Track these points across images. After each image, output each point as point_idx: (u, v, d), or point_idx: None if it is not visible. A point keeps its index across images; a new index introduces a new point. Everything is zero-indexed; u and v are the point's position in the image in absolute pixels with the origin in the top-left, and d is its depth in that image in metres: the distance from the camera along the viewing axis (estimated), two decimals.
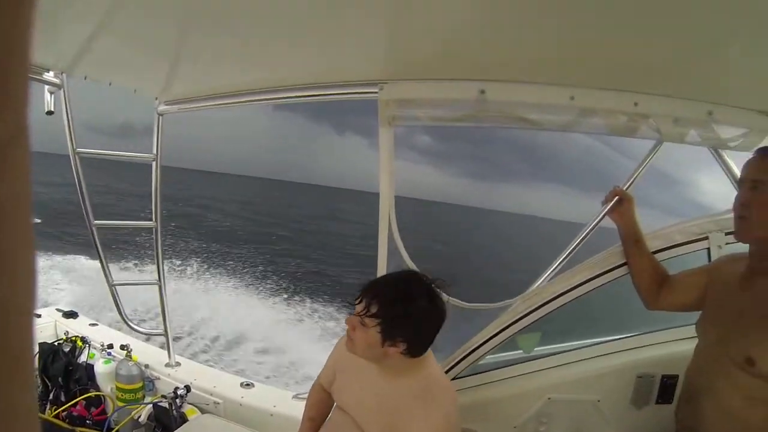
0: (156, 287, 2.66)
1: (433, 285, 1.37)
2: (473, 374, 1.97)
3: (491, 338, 1.84)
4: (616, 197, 1.82)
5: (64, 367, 2.67)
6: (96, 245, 2.44)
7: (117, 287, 2.53)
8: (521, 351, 2.02)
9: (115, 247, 12.82)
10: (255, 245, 20.61)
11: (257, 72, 1.96)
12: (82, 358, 2.81)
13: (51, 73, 2.07)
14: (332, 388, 1.63)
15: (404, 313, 1.32)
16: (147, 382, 2.68)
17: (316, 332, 10.28)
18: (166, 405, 2.43)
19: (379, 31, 1.43)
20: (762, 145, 1.71)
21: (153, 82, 2.25)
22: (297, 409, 1.79)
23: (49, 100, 2.10)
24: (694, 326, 1.63)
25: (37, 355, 2.68)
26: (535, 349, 2.01)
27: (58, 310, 3.36)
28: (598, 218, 1.86)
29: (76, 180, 2.30)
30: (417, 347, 1.35)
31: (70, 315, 3.30)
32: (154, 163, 2.49)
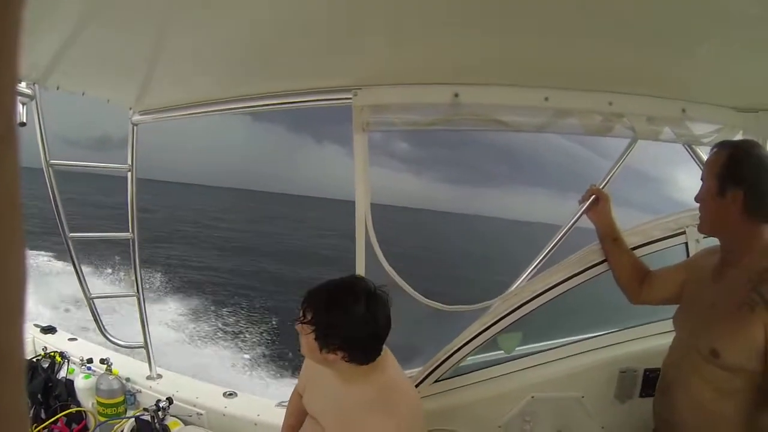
0: (135, 299, 2.61)
1: (375, 291, 1.34)
2: (456, 376, 1.97)
3: (472, 340, 1.84)
4: (593, 196, 1.83)
5: (44, 384, 2.61)
6: (72, 258, 2.39)
7: (95, 300, 2.48)
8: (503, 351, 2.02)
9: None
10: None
11: (232, 81, 1.95)
12: (62, 374, 2.75)
13: (23, 84, 2.03)
14: (304, 396, 1.63)
15: (336, 320, 1.30)
16: (128, 396, 2.63)
17: None
18: (149, 418, 2.38)
19: (353, 38, 1.42)
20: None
21: (127, 92, 2.21)
22: (281, 418, 1.77)
23: (21, 111, 2.05)
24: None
25: None
26: (517, 348, 2.01)
27: (36, 325, 3.29)
28: (576, 217, 1.87)
29: (50, 192, 2.25)
30: (355, 355, 1.32)
31: (48, 330, 3.23)
32: (129, 174, 2.45)
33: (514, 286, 1.89)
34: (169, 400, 2.44)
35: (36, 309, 9.07)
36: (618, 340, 2.10)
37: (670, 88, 1.75)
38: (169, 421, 2.43)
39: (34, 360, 2.73)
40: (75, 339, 3.15)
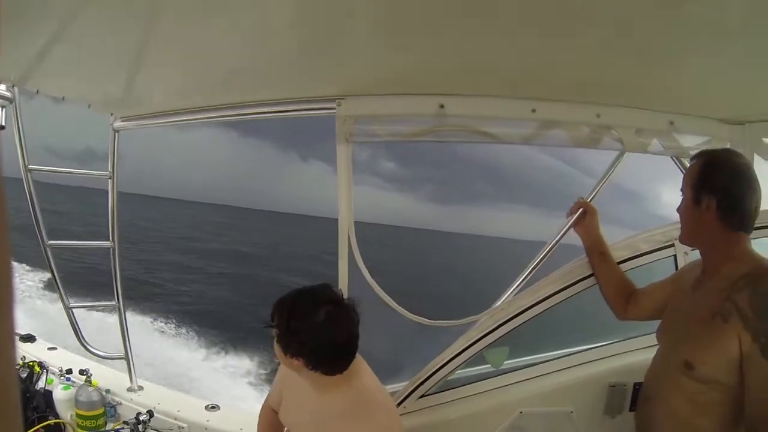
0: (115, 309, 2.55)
1: (339, 300, 1.34)
2: (442, 391, 1.93)
3: (458, 354, 1.81)
4: (581, 209, 1.81)
5: (21, 394, 2.54)
6: (50, 266, 2.34)
7: (74, 310, 2.42)
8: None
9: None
10: None
11: (215, 89, 1.92)
12: (40, 384, 2.67)
13: (2, 86, 1.97)
14: (280, 410, 1.62)
15: (295, 326, 1.30)
16: (108, 408, 2.56)
17: None
18: None
19: (337, 47, 1.40)
20: None
21: (108, 97, 2.17)
22: None
23: None
24: None
25: None
26: (505, 362, 1.98)
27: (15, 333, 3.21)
28: (563, 231, 1.85)
29: (29, 198, 2.19)
30: (318, 363, 1.32)
31: (27, 339, 3.14)
32: (110, 181, 2.39)
33: (501, 301, 1.86)
34: (150, 413, 2.38)
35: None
36: (607, 354, 2.09)
37: (658, 101, 1.75)
38: None
39: None
40: (55, 348, 3.07)
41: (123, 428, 2.37)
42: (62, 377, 2.65)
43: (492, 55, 1.41)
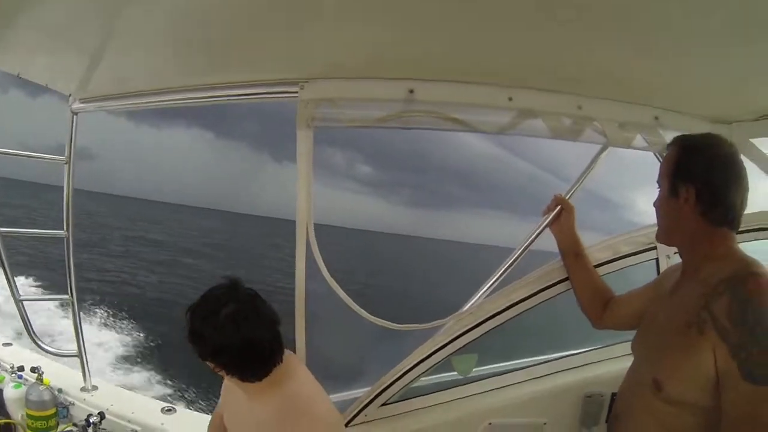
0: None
1: (248, 300, 1.27)
2: (406, 399, 1.83)
3: (423, 360, 1.70)
4: (558, 206, 1.70)
5: None
6: (0, 256, 2.20)
7: (24, 302, 2.29)
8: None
9: None
10: None
11: (175, 71, 1.84)
12: None
13: None
14: (224, 416, 1.59)
15: (199, 332, 1.24)
16: (61, 408, 2.42)
17: None
18: None
19: (300, 26, 1.31)
20: None
21: (67, 76, 2.08)
22: None
23: None
24: None
25: None
26: (474, 370, 1.88)
27: None
28: (539, 230, 1.76)
29: None
30: (230, 369, 1.27)
31: None
32: (66, 167, 2.27)
33: (470, 304, 1.75)
34: (101, 415, 2.26)
35: None
36: (584, 362, 2.00)
37: (643, 95, 1.67)
38: None
39: None
40: (10, 345, 2.93)
41: (72, 430, 2.23)
42: (13, 375, 2.52)
43: (467, 39, 1.31)
